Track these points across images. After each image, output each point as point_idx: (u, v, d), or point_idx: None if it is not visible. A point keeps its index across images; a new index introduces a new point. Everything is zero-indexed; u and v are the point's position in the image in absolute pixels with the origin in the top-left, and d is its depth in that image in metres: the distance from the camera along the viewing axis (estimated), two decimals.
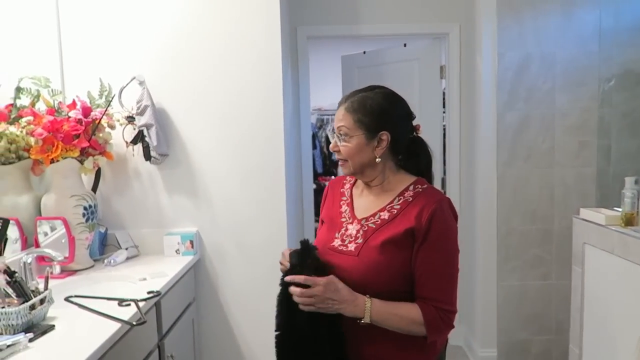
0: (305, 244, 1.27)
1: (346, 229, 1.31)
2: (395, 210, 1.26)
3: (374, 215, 1.29)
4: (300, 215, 3.31)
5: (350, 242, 1.28)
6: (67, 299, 1.63)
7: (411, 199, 1.27)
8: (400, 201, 1.27)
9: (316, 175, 5.54)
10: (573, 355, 2.22)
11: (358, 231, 1.29)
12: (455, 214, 1.28)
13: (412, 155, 1.34)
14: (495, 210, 2.82)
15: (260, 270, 2.30)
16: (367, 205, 1.33)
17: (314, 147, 5.74)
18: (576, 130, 2.76)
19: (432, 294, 1.21)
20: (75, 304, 1.60)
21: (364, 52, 3.64)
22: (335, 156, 1.33)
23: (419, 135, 1.35)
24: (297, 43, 3.13)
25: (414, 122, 1.34)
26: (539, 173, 2.78)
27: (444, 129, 3.34)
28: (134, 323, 1.47)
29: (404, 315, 1.20)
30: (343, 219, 1.34)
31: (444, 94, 3.34)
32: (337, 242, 1.31)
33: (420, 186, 1.29)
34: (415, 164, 1.34)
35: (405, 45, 3.42)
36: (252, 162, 2.28)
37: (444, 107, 3.34)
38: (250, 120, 2.29)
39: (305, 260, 1.23)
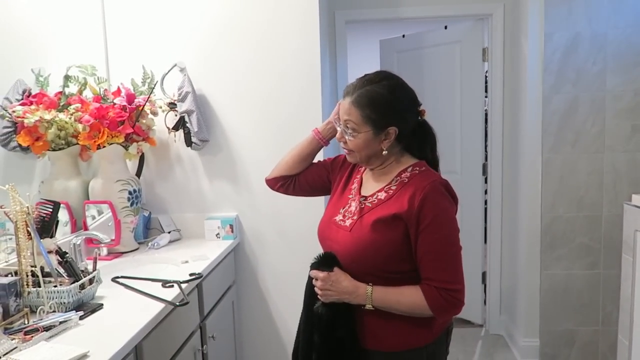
0: (326, 257, 1.31)
1: (349, 205, 1.36)
2: (392, 191, 1.29)
3: (372, 195, 1.33)
4: None
5: (349, 218, 1.33)
6: (114, 280, 1.70)
7: (407, 180, 1.29)
8: (397, 182, 1.30)
9: None
10: (622, 346, 2.13)
11: (356, 208, 1.33)
12: (452, 194, 1.28)
13: (417, 139, 1.35)
14: (540, 197, 2.72)
15: (298, 258, 2.31)
16: (369, 185, 1.37)
17: None
18: (629, 113, 2.62)
19: (432, 274, 1.22)
20: (122, 284, 1.66)
21: (403, 36, 3.56)
22: (341, 145, 1.35)
23: (424, 119, 1.35)
24: (335, 28, 3.09)
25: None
26: (588, 158, 2.66)
27: (486, 114, 3.24)
28: (177, 304, 1.51)
29: (406, 299, 1.24)
30: (350, 196, 1.39)
31: (486, 77, 3.24)
32: (339, 217, 1.36)
33: (418, 168, 1.31)
34: (421, 148, 1.36)
35: (446, 27, 3.32)
36: None
37: (486, 91, 3.24)
38: (290, 106, 2.29)
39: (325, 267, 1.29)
